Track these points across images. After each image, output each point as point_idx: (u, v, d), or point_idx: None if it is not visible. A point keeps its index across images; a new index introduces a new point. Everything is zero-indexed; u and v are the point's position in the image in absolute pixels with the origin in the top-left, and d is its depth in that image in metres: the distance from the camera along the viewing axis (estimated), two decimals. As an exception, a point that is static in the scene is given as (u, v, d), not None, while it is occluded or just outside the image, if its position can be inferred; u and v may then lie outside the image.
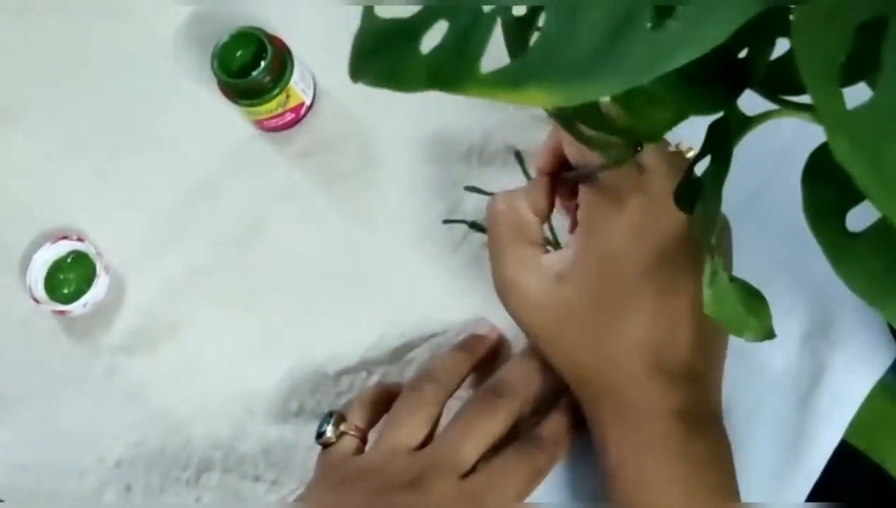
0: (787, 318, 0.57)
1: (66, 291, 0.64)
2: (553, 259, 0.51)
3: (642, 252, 0.49)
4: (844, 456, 0.54)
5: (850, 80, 0.28)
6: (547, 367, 0.53)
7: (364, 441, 0.54)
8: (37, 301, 0.63)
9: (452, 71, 0.27)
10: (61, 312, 0.63)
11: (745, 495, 0.51)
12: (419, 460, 0.51)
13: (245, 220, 0.64)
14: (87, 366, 0.62)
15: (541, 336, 0.51)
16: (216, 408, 0.60)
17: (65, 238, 0.64)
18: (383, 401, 0.55)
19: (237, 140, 0.66)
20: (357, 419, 0.55)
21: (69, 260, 0.64)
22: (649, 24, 0.25)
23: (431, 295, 0.61)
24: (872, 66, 0.26)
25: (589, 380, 0.50)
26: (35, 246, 0.64)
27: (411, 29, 0.27)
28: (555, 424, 0.54)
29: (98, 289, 0.64)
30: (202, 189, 0.65)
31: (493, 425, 0.53)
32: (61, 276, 0.64)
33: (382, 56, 0.28)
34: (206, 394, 0.61)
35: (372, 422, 0.55)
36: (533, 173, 0.60)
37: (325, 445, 0.54)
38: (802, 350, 0.56)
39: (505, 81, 0.26)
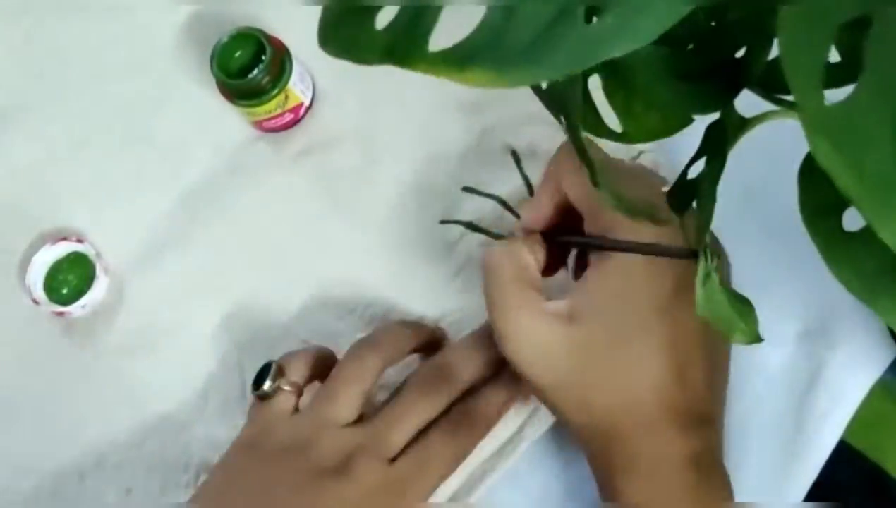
0: (784, 317, 0.57)
1: (65, 292, 0.64)
2: (559, 303, 0.49)
3: (657, 289, 0.48)
4: (844, 456, 0.54)
5: (841, 82, 0.28)
6: (494, 351, 0.52)
7: (299, 396, 0.54)
8: (36, 302, 0.63)
9: (404, 47, 0.28)
10: (61, 313, 0.63)
11: (743, 494, 0.51)
12: (349, 439, 0.51)
13: (244, 221, 0.64)
14: (86, 368, 0.62)
15: (550, 383, 0.49)
16: (216, 410, 0.61)
17: (64, 239, 0.65)
18: (324, 363, 0.55)
19: (236, 140, 0.66)
20: (296, 374, 0.55)
21: (68, 261, 0.64)
22: (583, 18, 0.26)
23: (428, 295, 0.61)
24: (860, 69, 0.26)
25: (599, 427, 0.49)
26: (34, 247, 0.64)
27: (368, 6, 0.28)
28: (488, 401, 0.54)
29: (97, 291, 0.64)
30: (201, 189, 0.65)
31: (430, 410, 0.53)
32: (61, 277, 0.64)
33: (343, 29, 0.29)
34: (206, 396, 0.61)
35: (310, 380, 0.55)
36: (530, 174, 0.60)
37: (261, 397, 0.54)
38: (799, 349, 0.57)
39: (451, 61, 0.27)
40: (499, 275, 0.51)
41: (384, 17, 0.28)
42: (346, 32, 0.28)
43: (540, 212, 0.52)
